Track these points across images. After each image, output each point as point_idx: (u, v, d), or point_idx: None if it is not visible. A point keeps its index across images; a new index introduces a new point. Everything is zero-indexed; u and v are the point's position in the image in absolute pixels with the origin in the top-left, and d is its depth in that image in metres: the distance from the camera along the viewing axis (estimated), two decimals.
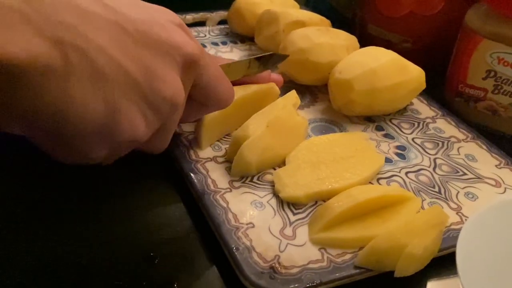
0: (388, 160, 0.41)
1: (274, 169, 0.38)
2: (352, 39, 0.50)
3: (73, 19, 0.24)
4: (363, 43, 0.57)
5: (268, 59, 0.42)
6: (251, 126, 0.37)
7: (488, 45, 0.45)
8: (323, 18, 0.55)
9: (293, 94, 0.42)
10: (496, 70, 0.45)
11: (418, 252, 0.30)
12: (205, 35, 0.59)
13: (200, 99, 0.33)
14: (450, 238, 0.33)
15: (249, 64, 0.40)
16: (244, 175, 0.37)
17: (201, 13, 0.62)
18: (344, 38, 0.49)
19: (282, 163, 0.39)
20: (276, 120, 0.38)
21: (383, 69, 0.43)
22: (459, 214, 0.36)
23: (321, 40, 0.47)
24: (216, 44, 0.57)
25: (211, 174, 0.37)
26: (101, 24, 0.25)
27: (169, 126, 0.32)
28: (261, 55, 0.41)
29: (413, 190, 0.38)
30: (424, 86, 0.46)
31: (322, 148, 0.40)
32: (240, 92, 0.40)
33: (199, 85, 0.31)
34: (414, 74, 0.45)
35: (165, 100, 0.28)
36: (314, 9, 0.68)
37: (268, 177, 0.38)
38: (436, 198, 0.37)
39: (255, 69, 0.41)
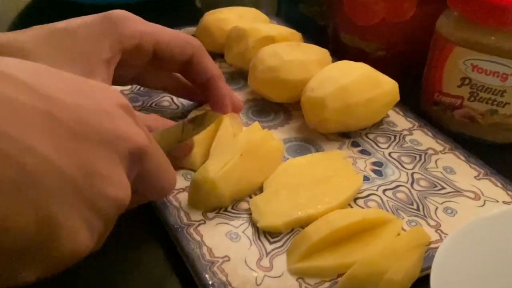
0: (365, 178, 0.42)
1: (250, 197, 0.39)
2: (324, 53, 0.51)
3: None
4: (337, 52, 0.59)
5: (203, 119, 0.40)
6: (211, 167, 0.37)
7: (461, 52, 0.46)
8: (294, 31, 0.56)
9: (256, 127, 0.42)
10: (471, 77, 0.47)
11: (398, 277, 0.31)
12: None
13: (141, 190, 0.30)
14: (429, 257, 0.34)
15: (183, 128, 0.38)
16: (216, 208, 0.38)
17: None
18: (315, 53, 0.50)
19: (259, 189, 0.40)
20: (250, 147, 0.39)
21: (355, 84, 0.44)
22: (439, 231, 0.37)
23: (291, 56, 0.48)
24: None
25: (183, 206, 0.38)
26: (31, 117, 0.22)
27: (109, 226, 0.28)
28: (193, 116, 0.39)
29: (391, 209, 0.39)
30: (398, 98, 0.48)
31: (300, 171, 0.41)
32: None
33: (142, 177, 0.29)
34: (387, 87, 0.46)
35: (110, 201, 0.25)
36: (286, 18, 0.69)
37: (244, 205, 0.38)
38: (415, 216, 0.38)
39: (190, 132, 0.39)
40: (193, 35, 0.60)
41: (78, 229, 0.24)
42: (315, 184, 0.39)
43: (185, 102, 0.50)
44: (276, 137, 0.45)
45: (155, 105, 0.50)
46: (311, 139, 0.46)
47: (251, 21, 0.58)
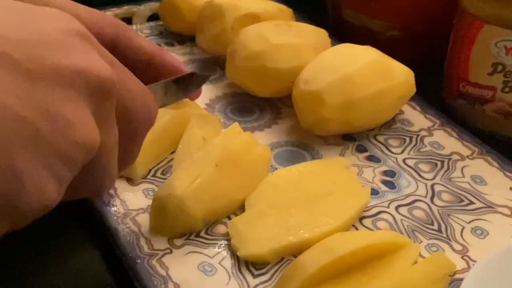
0: (374, 192, 0.42)
1: (229, 218, 0.39)
2: (321, 35, 0.51)
3: None
4: (339, 33, 0.59)
5: (188, 81, 0.41)
6: (178, 181, 0.37)
7: (492, 32, 0.47)
8: (283, 7, 0.56)
9: (236, 129, 0.42)
10: (505, 62, 0.47)
11: None
12: None
13: (122, 124, 0.33)
14: None
15: (166, 89, 0.39)
16: (185, 233, 0.38)
17: (125, 7, 0.62)
18: (310, 35, 0.50)
19: (240, 208, 0.40)
20: (227, 155, 0.39)
21: (360, 74, 0.44)
22: (465, 257, 0.37)
23: (281, 39, 0.48)
24: None
25: (144, 232, 0.37)
26: None
27: (98, 174, 0.32)
28: (178, 76, 0.40)
29: (406, 231, 0.39)
30: (414, 90, 0.48)
31: (292, 184, 0.41)
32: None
33: (118, 112, 0.31)
34: (401, 77, 0.46)
35: (76, 146, 0.28)
36: None
37: (221, 228, 0.38)
38: (436, 239, 0.39)
39: (174, 95, 0.40)
40: (155, 14, 0.61)
41: (45, 178, 0.27)
42: (311, 201, 0.39)
43: None
44: (262, 141, 0.45)
45: None
46: (305, 143, 0.46)
47: None
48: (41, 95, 0.27)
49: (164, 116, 0.43)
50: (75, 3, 0.43)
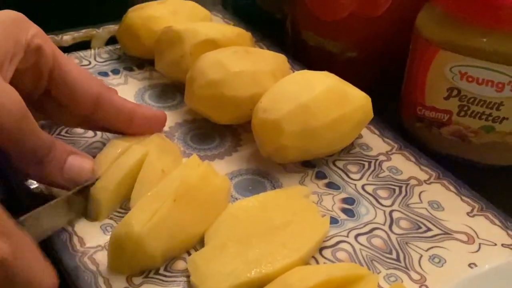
0: (333, 221, 0.42)
1: (189, 253, 0.39)
2: (280, 61, 0.51)
3: None
4: (298, 54, 0.59)
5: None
6: (135, 219, 0.37)
7: (446, 57, 0.47)
8: (241, 31, 0.56)
9: (194, 161, 0.42)
10: (460, 87, 0.47)
11: None
12: (90, 62, 0.58)
13: None
14: None
15: (69, 203, 0.39)
16: (145, 270, 0.37)
17: (83, 30, 0.62)
18: (269, 61, 0.50)
19: (200, 243, 0.39)
20: (185, 189, 0.38)
21: (318, 101, 0.44)
22: (423, 287, 0.37)
23: (239, 67, 0.48)
24: (105, 74, 0.57)
25: (102, 270, 0.37)
26: None
27: None
28: (80, 187, 0.40)
29: (365, 260, 0.39)
30: (371, 116, 0.48)
31: (252, 215, 0.41)
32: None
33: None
34: (358, 103, 0.46)
35: None
36: (234, 10, 0.69)
37: (180, 264, 0.38)
38: (394, 268, 0.39)
39: (80, 205, 0.40)
40: (113, 37, 0.60)
41: None
42: (271, 233, 0.39)
43: None
44: (223, 169, 0.45)
45: (66, 132, 0.49)
46: (265, 171, 0.46)
47: (187, 18, 0.58)
48: None
49: (129, 156, 0.42)
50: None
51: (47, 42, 0.42)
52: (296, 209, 0.41)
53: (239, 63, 0.48)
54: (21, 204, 0.42)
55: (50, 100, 0.43)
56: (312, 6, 0.58)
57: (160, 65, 0.54)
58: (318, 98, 0.44)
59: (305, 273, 0.36)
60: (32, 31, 0.40)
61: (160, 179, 0.41)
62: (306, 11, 0.60)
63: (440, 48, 0.47)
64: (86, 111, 0.43)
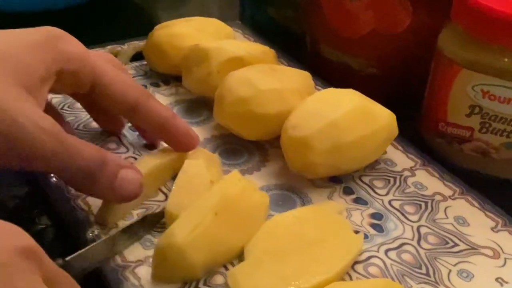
0: (363, 236, 0.43)
1: (226, 267, 0.40)
2: (306, 79, 0.53)
3: None
4: (317, 68, 0.61)
5: (140, 226, 0.41)
6: (177, 231, 0.38)
7: (469, 76, 0.48)
8: (266, 49, 0.57)
9: (235, 176, 0.43)
10: (481, 105, 0.49)
11: None
12: None
13: None
14: None
15: (114, 241, 0.39)
16: (186, 281, 0.38)
17: (108, 47, 0.63)
18: (294, 79, 0.51)
19: (239, 256, 0.40)
20: (226, 203, 0.40)
21: (346, 119, 0.46)
22: None
23: (266, 85, 0.49)
24: None
25: (145, 284, 0.38)
26: None
27: None
28: (128, 224, 0.41)
29: (396, 276, 0.40)
30: (396, 133, 0.49)
31: (288, 231, 0.42)
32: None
33: None
34: (384, 121, 0.48)
35: None
36: (252, 24, 0.71)
37: (219, 279, 0.39)
38: (425, 283, 0.40)
39: (125, 243, 0.40)
40: (139, 53, 0.61)
41: None
42: (306, 249, 0.40)
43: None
44: None
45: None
46: (294, 186, 0.48)
47: (212, 35, 0.59)
48: None
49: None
50: (98, 55, 0.45)
51: (84, 62, 0.42)
52: (330, 225, 0.42)
53: (266, 81, 0.50)
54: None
55: (90, 100, 0.45)
56: (334, 23, 0.60)
57: (187, 82, 0.56)
58: (346, 116, 0.46)
59: None
60: (67, 55, 0.40)
61: (208, 189, 0.42)
62: (326, 28, 0.61)
63: (462, 67, 0.49)
64: (123, 115, 0.44)
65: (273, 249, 0.40)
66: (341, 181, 0.48)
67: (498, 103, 0.48)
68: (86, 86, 0.43)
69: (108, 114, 0.50)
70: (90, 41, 0.62)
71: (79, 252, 0.37)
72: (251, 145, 0.52)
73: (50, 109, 0.44)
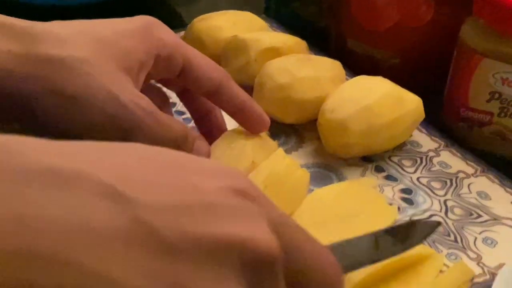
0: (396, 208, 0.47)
1: None
2: (338, 68, 0.57)
3: (57, 242, 0.20)
4: (343, 60, 0.65)
5: (408, 230, 0.37)
6: None
7: (490, 65, 0.53)
8: (299, 40, 0.61)
9: (280, 154, 0.47)
10: (501, 91, 0.53)
11: None
12: None
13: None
14: None
15: (376, 242, 0.35)
16: None
17: None
18: (328, 68, 0.55)
19: None
20: (274, 178, 0.44)
21: (379, 104, 0.50)
22: (480, 264, 0.43)
23: (303, 72, 0.53)
24: None
25: None
26: (107, 235, 0.21)
27: None
28: (394, 225, 0.40)
29: (428, 243, 0.44)
30: (423, 116, 0.54)
31: (328, 204, 0.46)
32: None
33: (287, 277, 0.25)
34: (412, 105, 0.52)
35: None
36: (277, 18, 0.75)
37: None
38: (454, 248, 0.44)
39: (389, 249, 0.35)
40: None
41: None
42: (346, 219, 0.44)
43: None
44: None
45: None
46: (329, 164, 0.52)
47: (247, 28, 0.63)
48: (182, 274, 0.22)
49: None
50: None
51: (176, 48, 0.44)
52: (366, 198, 0.47)
53: (303, 69, 0.54)
54: None
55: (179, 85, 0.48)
56: (359, 17, 0.64)
57: (226, 71, 0.60)
58: (379, 101, 0.50)
59: None
60: (162, 42, 0.43)
61: (248, 169, 0.46)
62: (352, 22, 0.65)
63: (484, 56, 0.53)
64: (207, 96, 0.48)
65: (315, 220, 0.44)
66: (372, 160, 0.53)
67: None
68: (177, 70, 0.45)
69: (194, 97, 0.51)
70: None
71: (340, 241, 0.34)
72: (288, 128, 0.56)
73: (156, 91, 0.48)
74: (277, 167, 0.45)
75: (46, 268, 0.20)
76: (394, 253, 0.35)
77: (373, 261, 0.34)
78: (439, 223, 0.39)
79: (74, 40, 0.40)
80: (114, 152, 0.24)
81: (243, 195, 0.24)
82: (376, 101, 0.50)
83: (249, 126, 0.48)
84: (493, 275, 0.42)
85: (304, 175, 0.47)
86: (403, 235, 0.36)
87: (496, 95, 0.53)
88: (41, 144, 0.22)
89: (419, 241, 0.37)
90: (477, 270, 0.43)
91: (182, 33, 0.65)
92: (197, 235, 0.22)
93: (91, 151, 0.23)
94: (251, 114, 0.48)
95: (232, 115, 0.49)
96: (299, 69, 0.54)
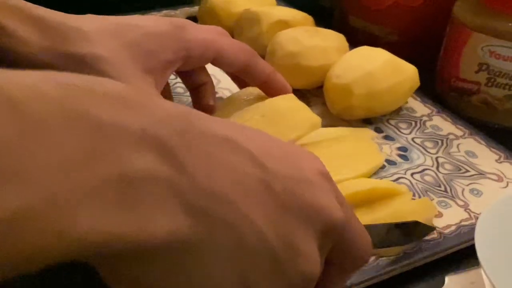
0: (392, 163, 0.53)
1: None
2: (342, 40, 0.62)
3: (225, 187, 0.26)
4: (346, 36, 0.70)
5: (411, 229, 0.43)
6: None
7: (479, 39, 0.58)
8: (306, 15, 0.66)
9: (291, 97, 0.53)
10: (489, 63, 0.59)
11: None
12: None
13: (336, 259, 0.33)
14: (461, 234, 0.46)
15: (387, 232, 0.41)
16: None
17: (164, 11, 0.71)
18: (333, 39, 0.61)
19: None
20: (274, 109, 0.49)
21: (380, 71, 0.55)
22: (467, 210, 0.49)
23: (311, 42, 0.59)
24: None
25: None
26: (252, 188, 0.27)
27: None
28: (403, 222, 0.43)
29: (420, 191, 0.50)
30: (418, 84, 0.59)
31: (328, 143, 0.51)
32: None
33: (336, 249, 0.32)
34: (409, 73, 0.58)
35: (301, 276, 0.29)
36: None
37: None
38: (444, 197, 0.50)
39: (394, 240, 0.42)
40: (194, 16, 0.70)
41: None
42: (339, 158, 0.49)
43: None
44: None
45: None
46: (334, 125, 0.57)
47: (257, 3, 0.68)
48: (286, 224, 0.28)
49: None
50: (216, 31, 0.52)
51: (207, 46, 0.48)
52: (362, 143, 0.52)
53: (311, 39, 0.59)
54: None
55: None
56: None
57: (240, 41, 0.65)
58: (380, 68, 0.56)
59: (357, 182, 0.47)
60: (192, 43, 0.47)
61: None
62: (354, 0, 0.71)
63: (474, 31, 0.58)
64: (237, 74, 0.53)
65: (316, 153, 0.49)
66: (372, 122, 0.58)
67: (503, 61, 0.58)
68: (208, 62, 0.50)
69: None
70: (142, 7, 0.71)
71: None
72: (296, 93, 0.61)
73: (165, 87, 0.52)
74: (280, 102, 0.51)
75: None
76: (397, 244, 0.42)
77: (382, 246, 0.41)
78: (435, 228, 0.46)
79: (99, 40, 0.43)
80: (257, 134, 0.30)
81: (324, 175, 0.30)
82: (377, 68, 0.55)
83: (274, 95, 0.54)
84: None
85: (315, 118, 0.52)
86: (408, 231, 0.43)
87: (484, 67, 0.59)
88: (209, 117, 0.28)
89: (419, 239, 0.44)
90: (464, 215, 0.48)
91: (197, 7, 0.70)
92: (301, 198, 0.28)
93: (241, 129, 0.29)
94: (276, 85, 0.53)
95: (259, 86, 0.54)
96: (307, 39, 0.59)
